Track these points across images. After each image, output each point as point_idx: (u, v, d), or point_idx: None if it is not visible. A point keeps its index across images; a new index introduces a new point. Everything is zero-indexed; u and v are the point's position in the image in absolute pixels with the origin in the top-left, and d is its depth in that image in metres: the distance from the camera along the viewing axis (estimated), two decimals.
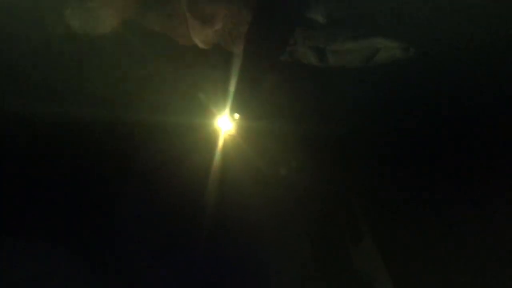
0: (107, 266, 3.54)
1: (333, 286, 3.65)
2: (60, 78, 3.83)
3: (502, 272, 3.42)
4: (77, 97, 3.82)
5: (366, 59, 3.93)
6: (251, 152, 3.92)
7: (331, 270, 3.71)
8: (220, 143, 3.92)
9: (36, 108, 3.76)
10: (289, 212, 3.84)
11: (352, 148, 4.00)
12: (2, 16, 3.80)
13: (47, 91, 3.84)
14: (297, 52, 3.91)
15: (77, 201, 3.67)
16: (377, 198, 3.86)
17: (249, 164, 3.88)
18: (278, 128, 3.96)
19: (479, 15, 3.89)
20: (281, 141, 3.94)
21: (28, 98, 3.83)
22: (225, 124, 3.93)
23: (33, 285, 3.47)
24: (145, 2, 3.71)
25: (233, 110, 3.82)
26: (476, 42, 3.90)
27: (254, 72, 3.69)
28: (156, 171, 3.80)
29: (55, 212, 3.64)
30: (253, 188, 3.83)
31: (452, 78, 3.98)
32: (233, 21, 3.57)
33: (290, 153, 3.96)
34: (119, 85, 3.83)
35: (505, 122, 3.78)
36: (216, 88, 3.78)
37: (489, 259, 3.49)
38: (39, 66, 3.84)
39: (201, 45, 3.80)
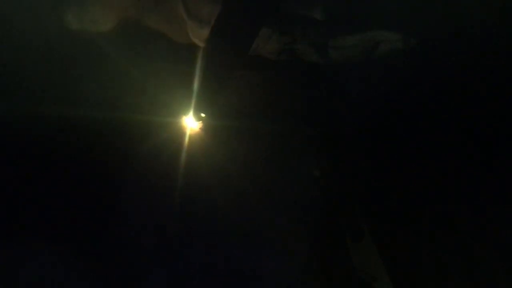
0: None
1: (333, 286, 3.67)
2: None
3: (502, 272, 3.43)
4: (65, 96, 3.81)
5: (367, 53, 3.88)
6: (220, 152, 3.91)
7: (331, 270, 3.72)
8: (186, 142, 3.90)
9: (31, 107, 3.75)
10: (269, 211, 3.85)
11: (346, 147, 3.99)
12: (0, 15, 3.75)
13: (42, 90, 3.83)
14: (297, 50, 3.85)
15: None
16: (377, 198, 3.85)
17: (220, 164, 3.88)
18: (248, 126, 3.95)
19: (481, 4, 3.82)
20: (259, 141, 3.93)
21: (25, 98, 3.81)
22: (191, 122, 3.89)
23: (33, 285, 3.50)
24: (143, 3, 3.66)
25: (199, 109, 3.77)
26: (478, 32, 3.84)
27: (221, 69, 3.63)
28: (121, 171, 3.80)
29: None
30: (228, 189, 3.83)
31: (456, 72, 3.92)
32: None
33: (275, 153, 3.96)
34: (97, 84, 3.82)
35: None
36: (182, 85, 3.74)
37: (489, 259, 3.49)
38: (36, 65, 3.80)
39: (201, 44, 3.76)
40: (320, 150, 4.06)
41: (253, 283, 3.66)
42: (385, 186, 3.84)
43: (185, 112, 3.85)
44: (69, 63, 3.83)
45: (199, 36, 3.67)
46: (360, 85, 4.00)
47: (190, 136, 3.91)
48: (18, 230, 3.63)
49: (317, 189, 3.95)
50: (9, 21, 3.75)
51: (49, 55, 3.79)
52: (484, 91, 3.83)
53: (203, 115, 3.83)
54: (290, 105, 4.10)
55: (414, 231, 3.68)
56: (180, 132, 3.90)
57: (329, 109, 4.09)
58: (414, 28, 3.74)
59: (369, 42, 3.82)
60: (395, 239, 3.70)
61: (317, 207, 3.91)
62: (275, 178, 3.93)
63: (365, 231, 3.79)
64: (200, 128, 3.91)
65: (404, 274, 3.60)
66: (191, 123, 3.90)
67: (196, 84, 3.62)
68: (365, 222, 3.82)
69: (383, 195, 3.83)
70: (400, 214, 3.75)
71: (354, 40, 3.81)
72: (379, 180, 3.87)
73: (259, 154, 3.95)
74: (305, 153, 4.04)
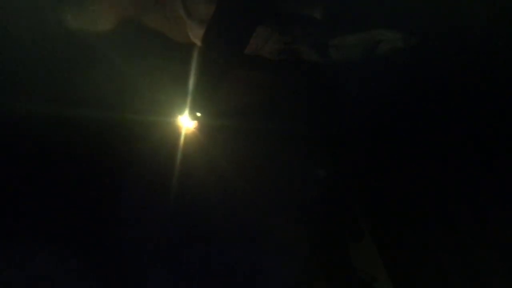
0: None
1: (333, 286, 3.67)
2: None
3: (502, 273, 3.42)
4: (62, 96, 3.81)
5: (368, 52, 3.86)
6: (216, 152, 3.90)
7: (331, 270, 3.72)
8: (181, 142, 3.87)
9: (29, 106, 3.75)
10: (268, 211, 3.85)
11: (346, 147, 3.98)
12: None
13: (40, 89, 3.83)
14: (297, 50, 3.83)
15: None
16: (377, 198, 3.85)
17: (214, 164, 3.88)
18: (246, 126, 3.94)
19: (482, 3, 3.80)
20: (256, 140, 3.93)
21: (24, 97, 3.80)
22: (187, 122, 3.85)
23: (33, 285, 3.50)
24: (143, 2, 3.65)
25: (194, 108, 3.75)
26: (479, 31, 3.82)
27: (217, 68, 3.61)
28: (117, 171, 3.80)
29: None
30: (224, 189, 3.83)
31: (456, 71, 3.91)
32: None
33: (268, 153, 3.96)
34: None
35: None
36: (177, 84, 3.72)
37: (489, 259, 3.49)
38: (35, 65, 3.79)
39: (200, 44, 3.75)
40: (320, 150, 4.05)
41: (253, 283, 3.66)
42: (385, 186, 3.83)
43: (181, 111, 3.83)
44: (68, 62, 3.82)
45: (198, 36, 3.66)
46: (360, 84, 3.99)
47: (186, 136, 3.89)
48: (18, 230, 3.62)
49: (317, 189, 3.94)
50: (8, 20, 3.75)
51: (48, 55, 3.79)
52: (485, 91, 3.81)
53: (198, 114, 3.81)
54: (290, 105, 4.09)
55: (414, 231, 3.68)
56: (176, 132, 3.89)
57: (329, 109, 4.08)
58: (415, 27, 3.72)
59: (369, 41, 3.80)
60: (395, 239, 3.70)
61: (317, 207, 3.91)
62: (274, 178, 3.92)
63: (365, 231, 3.79)
64: (195, 128, 3.90)
65: (404, 274, 3.61)
66: (186, 123, 3.88)
67: (192, 83, 3.60)
68: (365, 222, 3.82)
69: (383, 195, 3.83)
70: (400, 214, 3.75)
71: (355, 40, 3.79)
72: (380, 180, 3.87)
73: (257, 154, 3.95)
74: (304, 153, 4.03)
